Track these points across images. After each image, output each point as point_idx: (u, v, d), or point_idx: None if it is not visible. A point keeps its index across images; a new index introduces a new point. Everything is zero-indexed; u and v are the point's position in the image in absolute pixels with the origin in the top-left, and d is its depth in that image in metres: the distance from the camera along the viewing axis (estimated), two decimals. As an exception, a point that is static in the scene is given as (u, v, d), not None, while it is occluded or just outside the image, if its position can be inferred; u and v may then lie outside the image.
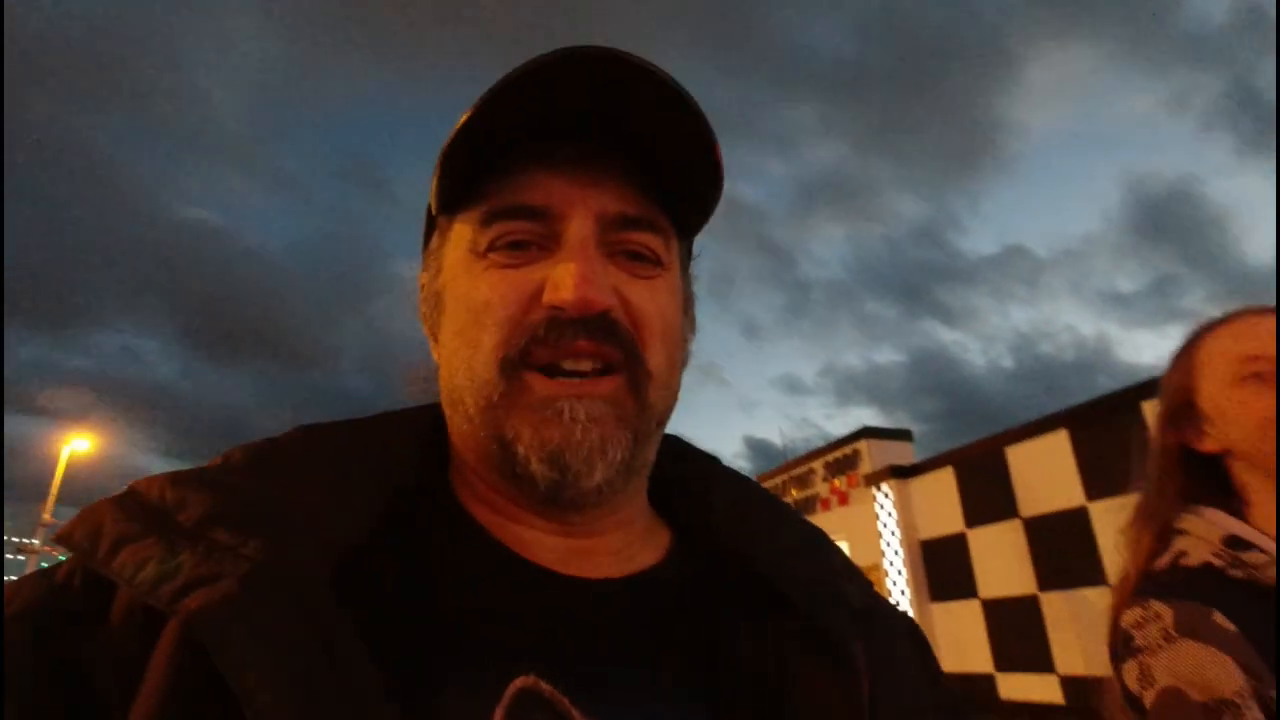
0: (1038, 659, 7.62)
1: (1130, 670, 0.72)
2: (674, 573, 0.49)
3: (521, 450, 0.42)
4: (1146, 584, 0.78)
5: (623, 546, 0.49)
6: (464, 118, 0.42)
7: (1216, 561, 0.75)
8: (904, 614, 0.51)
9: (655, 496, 0.55)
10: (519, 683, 0.37)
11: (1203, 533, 0.78)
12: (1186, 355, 0.91)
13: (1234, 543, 0.76)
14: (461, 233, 0.46)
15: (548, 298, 0.43)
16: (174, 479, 0.40)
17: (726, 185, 0.47)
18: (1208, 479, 0.86)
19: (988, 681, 8.16)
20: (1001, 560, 8.15)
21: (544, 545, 0.46)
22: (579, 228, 0.44)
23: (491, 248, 0.44)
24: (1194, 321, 0.93)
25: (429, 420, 0.52)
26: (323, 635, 0.34)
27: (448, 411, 0.48)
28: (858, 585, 0.50)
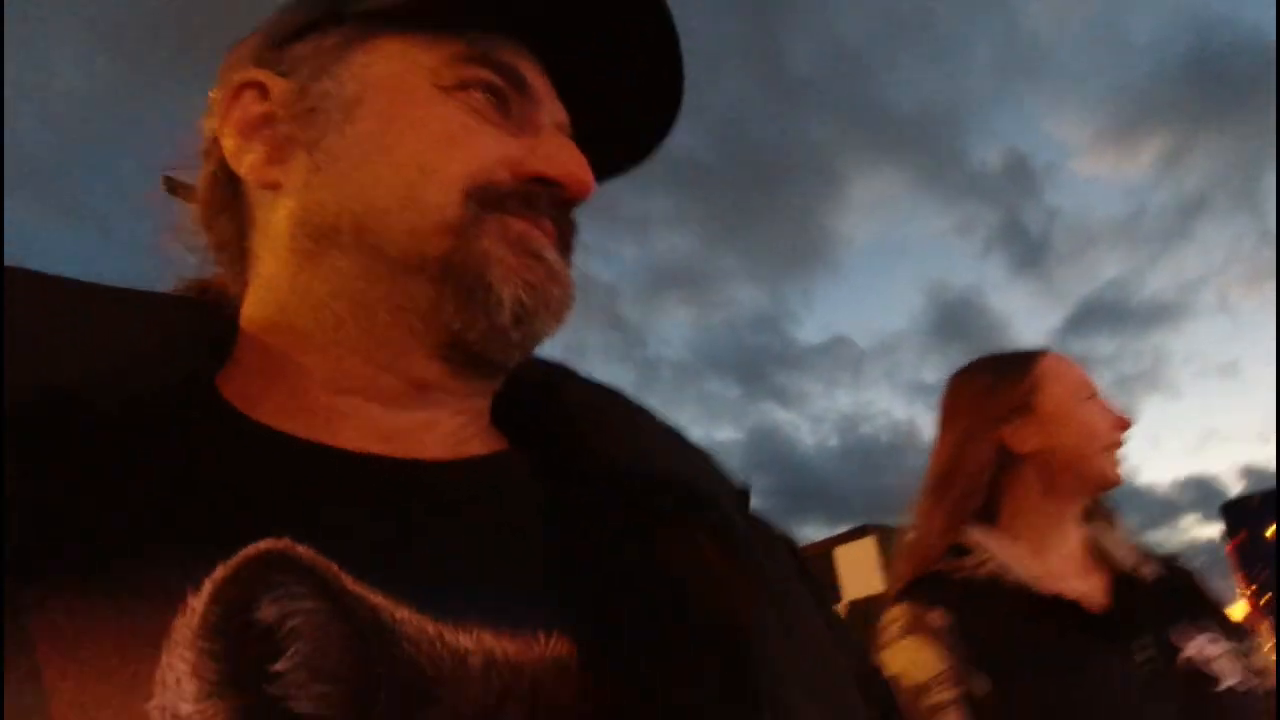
0: None
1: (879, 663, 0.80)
2: (517, 460, 0.39)
3: (497, 272, 0.35)
4: (901, 590, 0.93)
5: (460, 429, 0.39)
6: None
7: (943, 568, 0.91)
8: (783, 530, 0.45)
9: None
10: (265, 544, 0.27)
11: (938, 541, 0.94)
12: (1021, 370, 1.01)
13: (957, 550, 0.92)
14: (413, 55, 0.37)
15: (538, 167, 0.37)
16: None
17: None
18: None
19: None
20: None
21: (370, 420, 0.36)
22: (557, 115, 0.40)
23: (463, 87, 0.37)
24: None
25: (196, 314, 0.40)
26: None
27: (312, 245, 0.36)
28: (732, 486, 0.43)
